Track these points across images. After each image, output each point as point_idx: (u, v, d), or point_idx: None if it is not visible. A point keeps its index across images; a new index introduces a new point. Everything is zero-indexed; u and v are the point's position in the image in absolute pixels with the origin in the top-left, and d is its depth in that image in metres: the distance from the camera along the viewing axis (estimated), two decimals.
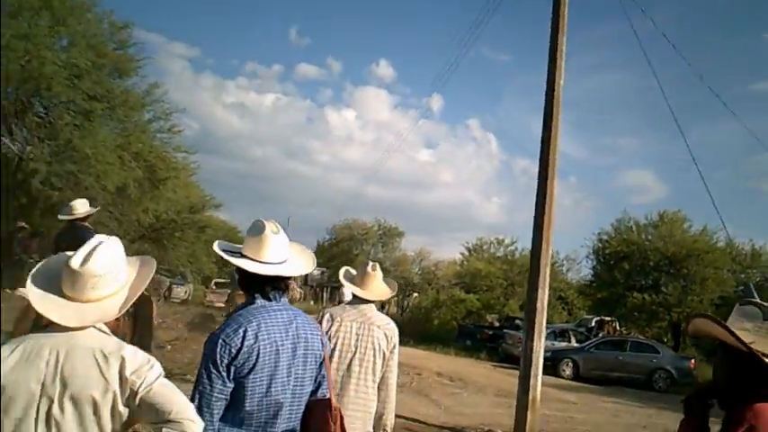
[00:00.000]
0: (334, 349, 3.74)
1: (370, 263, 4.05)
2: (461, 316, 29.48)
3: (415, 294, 34.69)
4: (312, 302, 45.62)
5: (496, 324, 28.35)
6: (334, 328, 3.82)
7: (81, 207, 6.92)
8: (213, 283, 33.43)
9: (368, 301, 3.97)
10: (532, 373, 9.53)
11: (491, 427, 9.74)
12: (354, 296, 4.03)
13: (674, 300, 25.17)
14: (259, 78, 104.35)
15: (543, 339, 9.87)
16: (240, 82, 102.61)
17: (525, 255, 35.86)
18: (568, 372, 20.40)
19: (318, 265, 51.12)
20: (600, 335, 26.88)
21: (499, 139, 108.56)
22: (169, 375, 2.10)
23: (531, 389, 9.45)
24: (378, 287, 4.05)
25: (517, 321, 26.65)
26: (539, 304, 9.70)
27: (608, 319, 29.95)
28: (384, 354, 3.85)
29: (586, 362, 20.53)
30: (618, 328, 29.45)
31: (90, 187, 14.48)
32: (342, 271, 4.20)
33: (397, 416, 9.46)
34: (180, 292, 30.82)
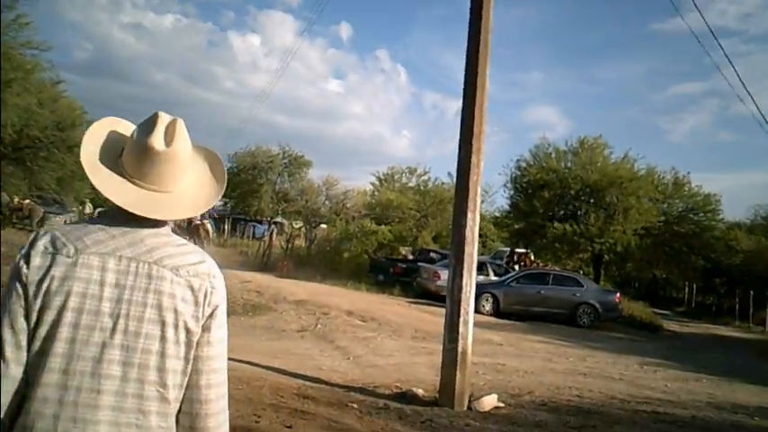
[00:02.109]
0: (40, 324, 1.44)
1: (162, 118, 1.63)
2: (373, 249, 27.56)
3: (323, 226, 32.45)
4: (215, 236, 42.84)
5: (410, 257, 26.66)
6: (52, 276, 1.45)
7: None
8: (97, 212, 29.93)
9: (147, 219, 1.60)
10: (461, 318, 7.51)
11: (411, 386, 7.68)
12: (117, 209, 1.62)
13: (596, 230, 23.97)
14: None
15: (474, 275, 7.84)
16: (137, 1, 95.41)
17: (438, 185, 34.46)
18: (488, 307, 18.91)
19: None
20: (515, 267, 25.76)
21: (409, 72, 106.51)
22: None
23: (459, 338, 7.44)
24: (172, 182, 1.66)
25: (432, 254, 25.13)
26: (468, 232, 7.63)
27: (522, 251, 28.93)
28: (189, 331, 1.51)
29: (507, 296, 19.10)
30: (533, 259, 28.47)
31: None
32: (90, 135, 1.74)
33: (290, 374, 7.24)
34: (59, 222, 27.19)
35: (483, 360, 10.23)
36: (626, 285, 28.19)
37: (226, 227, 42.99)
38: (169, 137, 1.58)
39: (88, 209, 32.70)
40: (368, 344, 11.23)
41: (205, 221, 34.43)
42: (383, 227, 28.91)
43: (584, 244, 24.43)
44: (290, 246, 29.64)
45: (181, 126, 1.62)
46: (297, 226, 33.82)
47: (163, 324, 1.48)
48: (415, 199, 33.34)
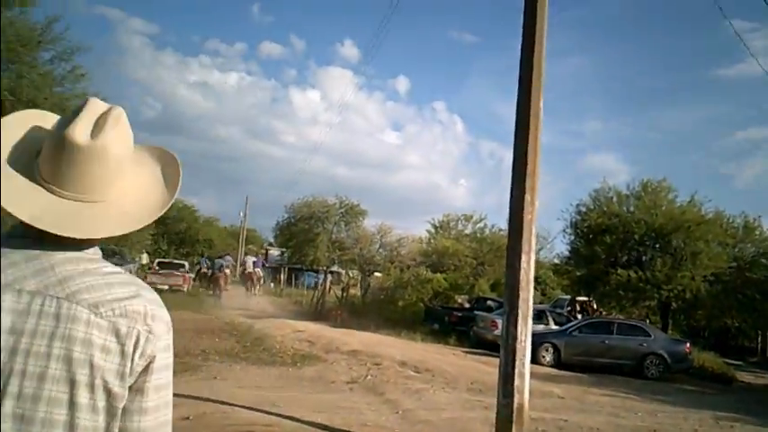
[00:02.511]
0: None
1: (93, 105, 1.27)
2: (428, 297, 26.96)
3: (377, 274, 32.05)
4: (271, 285, 42.98)
5: (466, 305, 25.92)
6: None
7: None
8: (156, 263, 30.38)
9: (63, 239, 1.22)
10: (516, 370, 6.93)
11: None
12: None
13: (663, 276, 22.77)
14: (222, 57, 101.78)
15: (530, 322, 7.29)
16: (203, 60, 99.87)
17: (495, 232, 33.65)
18: (549, 358, 18.04)
19: (278, 245, 48.41)
20: (577, 316, 24.75)
21: (465, 122, 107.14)
22: None
23: (515, 391, 6.85)
24: (93, 185, 1.28)
25: (489, 302, 24.41)
26: (522, 275, 7.10)
27: (584, 299, 27.82)
28: (111, 393, 1.12)
29: (568, 346, 18.18)
30: (596, 308, 27.33)
31: None
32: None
33: (333, 430, 6.80)
34: None
35: (543, 415, 9.53)
36: (695, 335, 26.64)
37: (282, 276, 43.12)
38: (98, 128, 1.18)
39: (145, 259, 33.36)
40: (420, 396, 10.66)
41: (257, 270, 35.32)
42: (438, 275, 28.33)
43: (650, 291, 23.22)
44: (345, 295, 29.33)
45: (117, 116, 1.22)
46: (352, 275, 33.58)
47: (72, 384, 1.07)
48: (471, 246, 32.65)
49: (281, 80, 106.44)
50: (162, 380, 1.18)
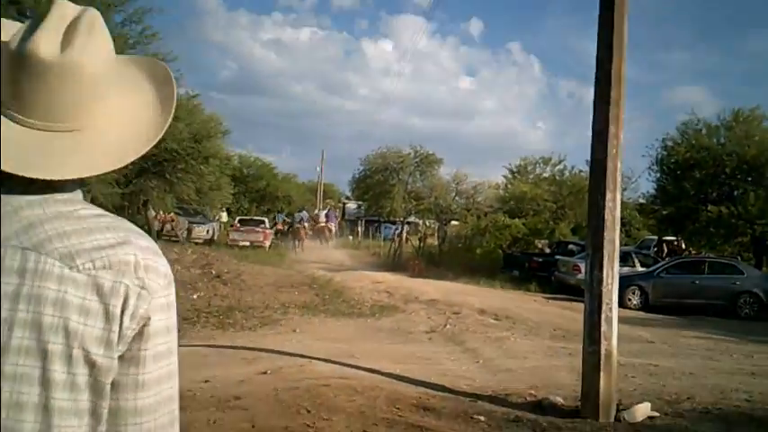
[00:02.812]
0: None
1: (60, 8, 0.99)
2: (507, 243, 26.44)
3: (454, 222, 31.67)
4: (350, 237, 43.33)
5: (547, 251, 25.27)
6: None
7: None
8: (237, 220, 30.97)
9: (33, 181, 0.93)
10: (603, 316, 6.51)
11: (548, 394, 6.80)
12: None
13: (756, 211, 21.41)
14: (294, 12, 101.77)
15: (617, 265, 6.82)
16: (275, 18, 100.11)
17: (575, 174, 32.51)
18: (635, 301, 17.43)
19: (354, 198, 48.75)
20: (665, 257, 23.74)
21: (542, 62, 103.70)
22: None
23: (602, 338, 6.45)
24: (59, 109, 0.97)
25: (571, 246, 23.71)
26: (608, 214, 6.59)
27: (672, 238, 26.67)
28: (94, 365, 0.87)
29: (656, 288, 17.49)
30: (684, 247, 26.18)
31: None
32: None
33: (411, 381, 6.57)
34: (201, 232, 28.21)
35: (632, 361, 9.09)
36: None
37: (359, 229, 43.37)
38: (68, 38, 0.91)
39: (224, 217, 34.02)
40: (501, 345, 10.39)
41: (330, 224, 35.91)
42: (517, 220, 27.74)
43: (742, 227, 21.96)
44: (422, 245, 29.17)
45: (91, 21, 0.94)
46: (429, 224, 33.37)
47: (44, 356, 0.82)
48: (550, 190, 31.78)
49: (354, 33, 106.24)
50: (161, 346, 0.93)
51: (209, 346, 8.73)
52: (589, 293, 6.66)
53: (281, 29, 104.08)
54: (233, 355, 8.13)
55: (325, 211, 40.00)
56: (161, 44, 14.86)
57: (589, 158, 6.99)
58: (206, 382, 6.45)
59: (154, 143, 1.03)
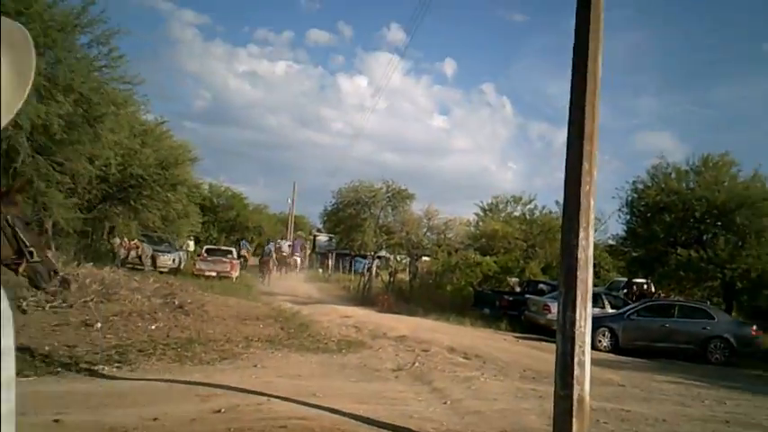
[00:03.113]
0: None
1: None
2: (477, 281, 26.25)
3: (426, 258, 31.46)
4: (320, 270, 42.83)
5: (518, 289, 25.15)
6: None
7: None
8: (205, 249, 30.34)
9: None
10: (576, 359, 6.25)
11: None
12: None
13: (726, 256, 21.55)
14: (270, 45, 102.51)
15: (590, 306, 6.59)
16: (251, 50, 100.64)
17: (545, 214, 32.71)
18: (606, 342, 17.27)
19: (326, 231, 48.56)
20: (635, 299, 23.71)
21: (514, 104, 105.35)
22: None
23: (574, 382, 6.18)
24: None
25: (541, 286, 23.58)
26: (580, 254, 6.36)
27: (641, 281, 26.72)
28: None
29: (627, 331, 17.38)
30: (654, 290, 26.22)
31: None
32: None
33: (375, 423, 6.17)
34: (167, 260, 27.48)
35: (603, 405, 8.82)
36: (761, 317, 25.31)
37: (330, 262, 42.92)
38: None
39: (192, 246, 33.35)
40: (470, 385, 10.05)
41: (295, 254, 35.83)
42: (488, 258, 27.62)
43: (712, 271, 22.04)
44: (392, 280, 28.85)
45: None
46: (400, 259, 33.11)
47: None
48: (521, 228, 31.86)
49: (329, 67, 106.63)
50: None
51: (162, 380, 8.25)
52: (561, 335, 6.40)
53: (256, 61, 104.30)
54: (187, 390, 7.67)
55: (288, 242, 39.70)
56: (129, 66, 14.51)
57: (562, 198, 6.80)
58: (154, 419, 6.02)
59: (8, 121, 0.75)
